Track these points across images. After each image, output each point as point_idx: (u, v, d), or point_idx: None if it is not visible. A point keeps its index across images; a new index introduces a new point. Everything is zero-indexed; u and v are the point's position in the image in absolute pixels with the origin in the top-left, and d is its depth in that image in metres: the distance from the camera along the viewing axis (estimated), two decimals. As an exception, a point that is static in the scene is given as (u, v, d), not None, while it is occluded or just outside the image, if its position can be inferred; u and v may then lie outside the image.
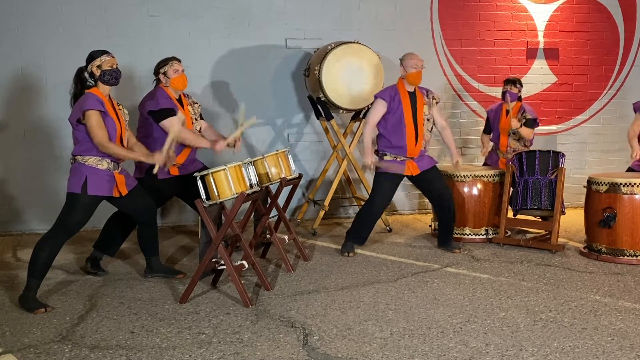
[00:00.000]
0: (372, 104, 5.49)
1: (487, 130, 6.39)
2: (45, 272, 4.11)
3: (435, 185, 5.38)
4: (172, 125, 4.51)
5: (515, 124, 5.90)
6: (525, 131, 5.98)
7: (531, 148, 6.11)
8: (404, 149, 5.26)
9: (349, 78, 6.23)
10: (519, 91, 6.12)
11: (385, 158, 5.30)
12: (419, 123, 5.26)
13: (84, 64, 4.28)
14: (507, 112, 6.05)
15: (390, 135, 5.28)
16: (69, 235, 4.20)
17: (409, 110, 5.24)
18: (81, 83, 4.27)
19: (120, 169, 4.34)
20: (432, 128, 5.41)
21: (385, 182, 5.30)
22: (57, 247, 4.15)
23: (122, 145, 4.30)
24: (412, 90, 5.31)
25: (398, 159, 5.28)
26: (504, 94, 6.09)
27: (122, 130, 4.30)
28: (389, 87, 5.40)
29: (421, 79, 5.29)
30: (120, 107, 4.42)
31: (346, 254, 5.38)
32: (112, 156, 4.22)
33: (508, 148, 6.11)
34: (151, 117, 4.82)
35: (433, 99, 5.39)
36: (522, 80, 6.42)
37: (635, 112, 5.72)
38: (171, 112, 4.80)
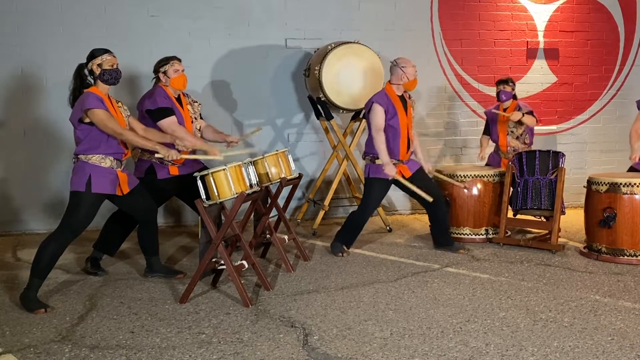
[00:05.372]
0: (369, 108, 5.24)
1: (487, 131, 6.41)
2: (48, 272, 4.12)
3: (426, 185, 5.34)
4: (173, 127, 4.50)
5: (516, 116, 5.91)
6: (528, 119, 5.97)
7: (532, 148, 6.12)
8: (396, 153, 5.25)
9: (349, 78, 6.24)
10: (513, 89, 6.17)
11: (377, 162, 5.23)
12: (410, 126, 5.30)
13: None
14: (505, 110, 6.10)
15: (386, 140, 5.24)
16: (74, 235, 4.18)
17: (404, 115, 5.24)
18: (81, 79, 4.27)
19: (122, 167, 4.34)
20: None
21: (380, 188, 5.31)
22: (62, 247, 4.14)
23: (124, 145, 4.30)
24: (401, 94, 5.29)
25: (392, 162, 5.22)
26: (498, 94, 6.16)
27: (123, 126, 4.30)
28: (380, 92, 5.27)
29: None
30: (120, 104, 4.42)
31: (340, 254, 5.38)
32: (114, 154, 4.22)
33: (508, 148, 6.13)
34: (149, 116, 4.82)
35: (411, 99, 5.39)
36: (522, 80, 6.39)
37: (639, 109, 5.70)
38: (169, 112, 4.80)
